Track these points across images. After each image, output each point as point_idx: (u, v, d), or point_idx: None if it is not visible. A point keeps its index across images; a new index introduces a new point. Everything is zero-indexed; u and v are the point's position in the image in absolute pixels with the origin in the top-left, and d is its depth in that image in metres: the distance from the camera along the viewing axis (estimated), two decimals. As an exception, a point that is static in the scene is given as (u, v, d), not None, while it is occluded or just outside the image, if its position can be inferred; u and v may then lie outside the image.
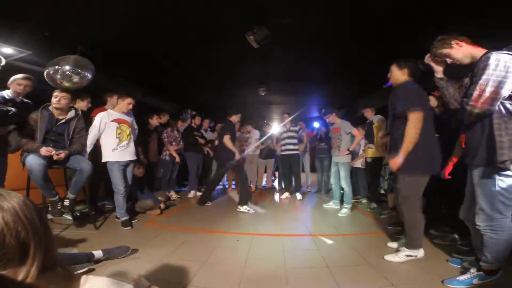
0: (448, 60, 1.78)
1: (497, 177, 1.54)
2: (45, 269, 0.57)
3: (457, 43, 1.70)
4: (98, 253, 1.98)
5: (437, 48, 1.79)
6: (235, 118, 4.33)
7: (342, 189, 4.06)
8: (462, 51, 1.70)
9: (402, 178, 2.13)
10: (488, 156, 1.55)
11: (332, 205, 4.23)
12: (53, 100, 2.62)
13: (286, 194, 5.22)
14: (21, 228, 0.55)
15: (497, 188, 1.55)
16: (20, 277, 0.53)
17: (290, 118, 5.24)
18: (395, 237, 2.66)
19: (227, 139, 4.06)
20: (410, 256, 2.10)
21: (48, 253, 0.59)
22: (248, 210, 3.86)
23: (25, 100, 2.76)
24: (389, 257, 2.16)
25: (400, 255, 2.13)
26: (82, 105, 3.31)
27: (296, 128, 5.38)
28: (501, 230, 1.58)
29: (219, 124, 6.43)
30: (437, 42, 1.79)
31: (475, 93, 1.52)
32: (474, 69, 1.60)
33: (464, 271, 1.81)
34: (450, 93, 1.83)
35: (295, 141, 5.18)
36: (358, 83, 5.60)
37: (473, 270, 1.73)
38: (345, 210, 3.79)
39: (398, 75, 2.24)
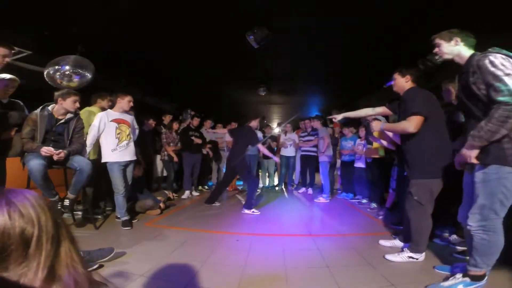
0: (436, 49, 1.78)
1: (503, 175, 1.49)
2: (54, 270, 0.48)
3: (456, 41, 1.67)
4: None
5: (440, 35, 1.75)
6: (254, 124, 4.21)
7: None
8: (452, 48, 1.69)
9: (414, 182, 2.10)
10: (498, 153, 1.48)
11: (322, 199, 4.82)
12: (73, 105, 2.61)
13: (303, 189, 5.87)
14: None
15: (500, 186, 1.50)
16: (24, 279, 0.45)
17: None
18: (393, 237, 2.66)
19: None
20: (412, 258, 2.10)
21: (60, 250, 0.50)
22: (253, 212, 3.76)
23: (14, 100, 2.64)
24: (390, 257, 2.15)
25: (403, 256, 2.12)
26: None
27: (315, 133, 5.78)
28: (493, 232, 1.54)
29: (219, 125, 6.44)
30: (445, 32, 1.74)
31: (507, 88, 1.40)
32: (468, 68, 1.56)
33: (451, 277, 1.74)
34: None
35: (314, 144, 5.75)
36: (358, 83, 5.60)
37: (458, 275, 1.68)
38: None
39: (402, 82, 2.23)
